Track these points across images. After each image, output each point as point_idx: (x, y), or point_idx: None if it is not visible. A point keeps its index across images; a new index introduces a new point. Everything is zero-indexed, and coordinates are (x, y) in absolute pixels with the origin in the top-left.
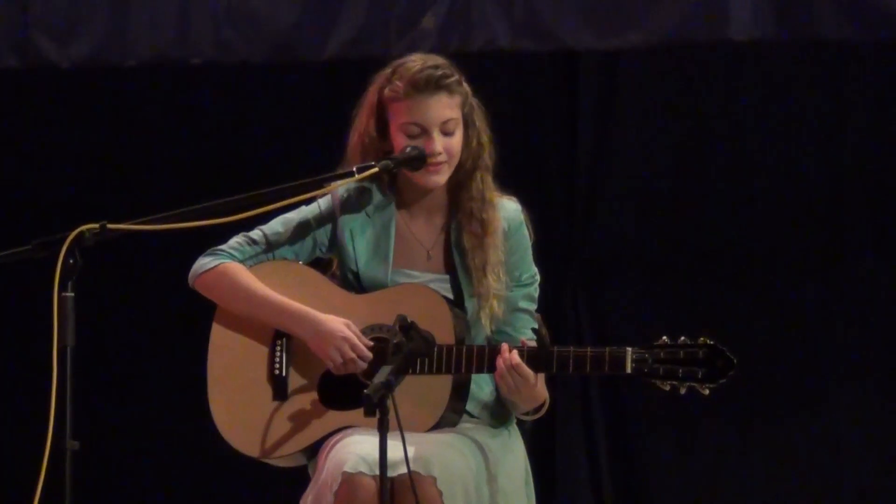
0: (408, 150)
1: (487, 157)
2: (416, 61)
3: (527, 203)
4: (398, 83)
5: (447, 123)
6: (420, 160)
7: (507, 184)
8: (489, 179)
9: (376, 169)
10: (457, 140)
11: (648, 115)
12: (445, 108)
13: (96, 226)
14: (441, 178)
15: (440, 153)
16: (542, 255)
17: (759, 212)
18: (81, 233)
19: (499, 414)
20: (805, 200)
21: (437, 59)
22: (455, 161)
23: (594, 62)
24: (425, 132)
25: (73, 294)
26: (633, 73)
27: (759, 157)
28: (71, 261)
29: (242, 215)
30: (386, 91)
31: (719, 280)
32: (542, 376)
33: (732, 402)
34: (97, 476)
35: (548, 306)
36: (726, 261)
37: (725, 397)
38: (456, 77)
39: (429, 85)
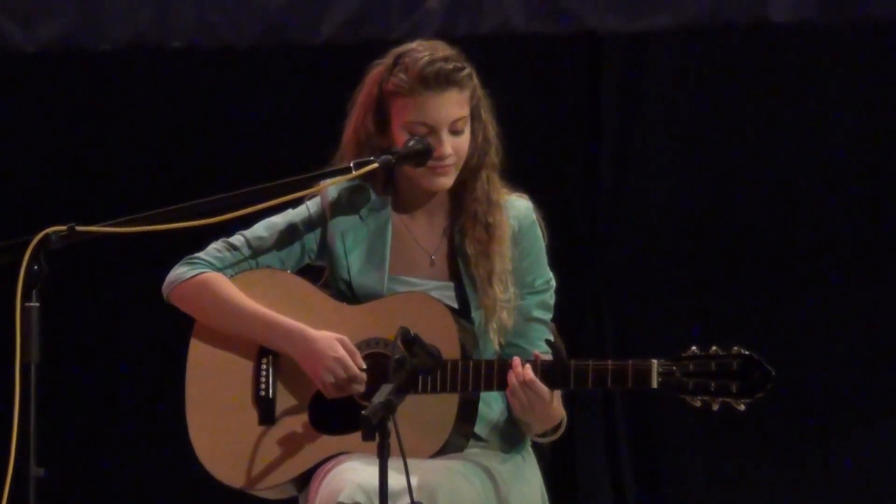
0: (411, 143)
1: (494, 154)
2: (423, 52)
3: (544, 203)
4: (402, 76)
5: (457, 122)
6: (425, 154)
7: (522, 182)
8: (496, 179)
9: (376, 165)
10: (465, 138)
11: (679, 106)
12: (455, 105)
13: (64, 228)
14: (448, 180)
15: (450, 155)
16: (561, 259)
17: (800, 212)
18: (47, 235)
19: (511, 436)
20: (853, 198)
21: (446, 50)
22: (462, 162)
23: (619, 47)
24: (433, 132)
25: (37, 304)
26: (663, 60)
27: (800, 151)
28: (35, 267)
29: (225, 216)
30: (388, 84)
31: (757, 287)
32: (558, 393)
33: (770, 422)
34: None
35: (567, 316)
36: (766, 266)
37: (763, 416)
38: (467, 70)
39: (439, 80)
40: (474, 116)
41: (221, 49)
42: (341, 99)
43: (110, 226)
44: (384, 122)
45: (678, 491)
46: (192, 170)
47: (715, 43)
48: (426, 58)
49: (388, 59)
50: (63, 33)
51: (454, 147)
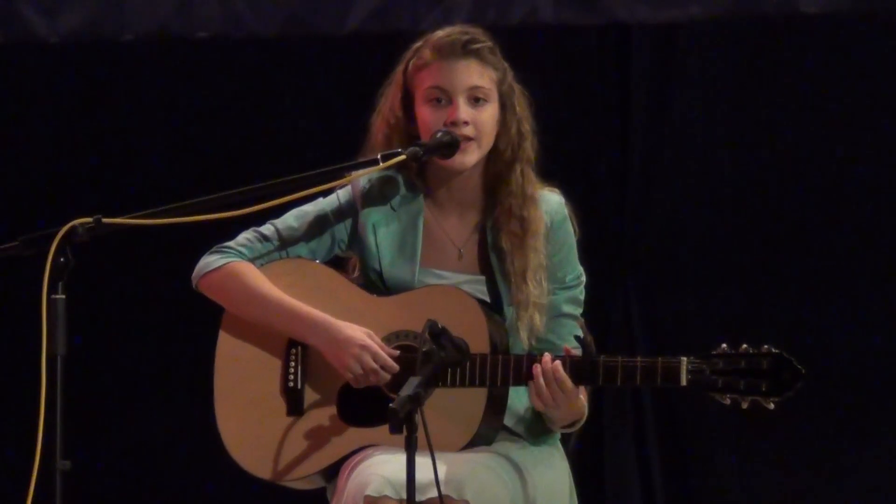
0: (438, 135)
1: (529, 148)
2: (447, 28)
3: (573, 195)
4: (425, 51)
5: (475, 91)
6: (453, 147)
7: (551, 175)
8: (531, 173)
9: (404, 156)
10: (488, 116)
11: (709, 97)
12: (474, 74)
13: (90, 220)
14: (467, 157)
15: (465, 122)
16: (591, 253)
17: (836, 203)
18: (73, 228)
19: (539, 428)
20: (886, 190)
21: (471, 28)
22: (485, 141)
23: (648, 37)
24: (449, 99)
25: (64, 296)
26: (692, 50)
27: (835, 142)
28: (62, 259)
29: (253, 208)
30: (411, 63)
31: (791, 282)
32: (582, 387)
33: (800, 418)
34: (91, 500)
35: (597, 312)
36: (799, 260)
37: (793, 410)
38: (489, 45)
39: (455, 49)
40: (506, 106)
41: (246, 39)
42: (367, 90)
43: (136, 218)
44: (410, 105)
45: (706, 486)
46: (218, 161)
47: (744, 34)
48: (446, 31)
49: (417, 43)
50: (86, 24)
51: (472, 118)
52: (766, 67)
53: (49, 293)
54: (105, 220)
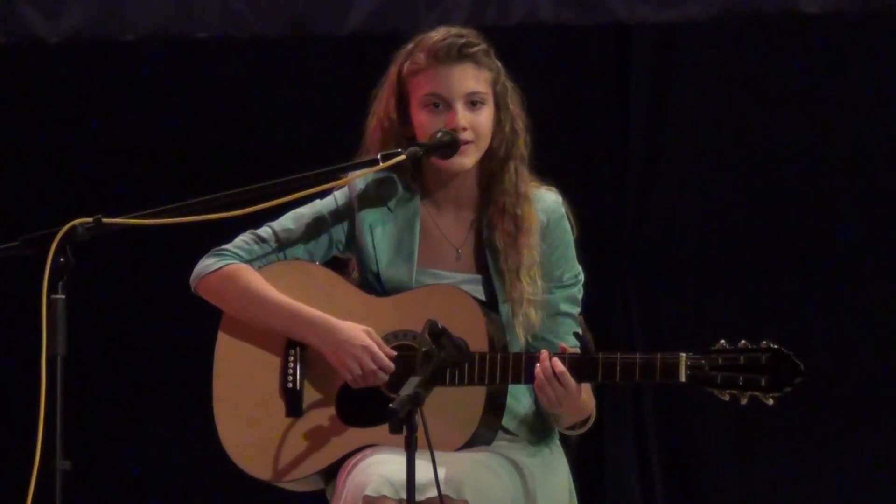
0: (438, 135)
1: (523, 146)
2: (440, 31)
3: (572, 195)
4: (419, 55)
5: (473, 96)
6: (452, 147)
7: (550, 174)
8: (524, 171)
9: (403, 157)
10: (485, 118)
11: (708, 97)
12: (471, 79)
13: (90, 220)
14: (466, 160)
15: (465, 129)
16: (589, 252)
17: (835, 202)
18: (73, 227)
19: (538, 429)
20: (885, 191)
21: (464, 30)
22: (483, 143)
23: (648, 37)
24: (447, 105)
25: (63, 296)
26: (692, 50)
27: (834, 142)
28: (62, 259)
29: (253, 208)
30: (405, 66)
31: (791, 282)
32: (587, 386)
33: (800, 416)
34: (90, 500)
35: (595, 309)
36: (796, 258)
37: (793, 409)
38: (483, 47)
39: (451, 53)
40: (500, 105)
41: (246, 40)
42: (367, 90)
43: (136, 218)
44: (405, 108)
45: (707, 485)
46: (218, 161)
47: (744, 34)
48: (440, 34)
49: (408, 45)
50: (86, 24)
51: (471, 123)
52: (766, 67)
53: (49, 293)
54: (105, 220)
